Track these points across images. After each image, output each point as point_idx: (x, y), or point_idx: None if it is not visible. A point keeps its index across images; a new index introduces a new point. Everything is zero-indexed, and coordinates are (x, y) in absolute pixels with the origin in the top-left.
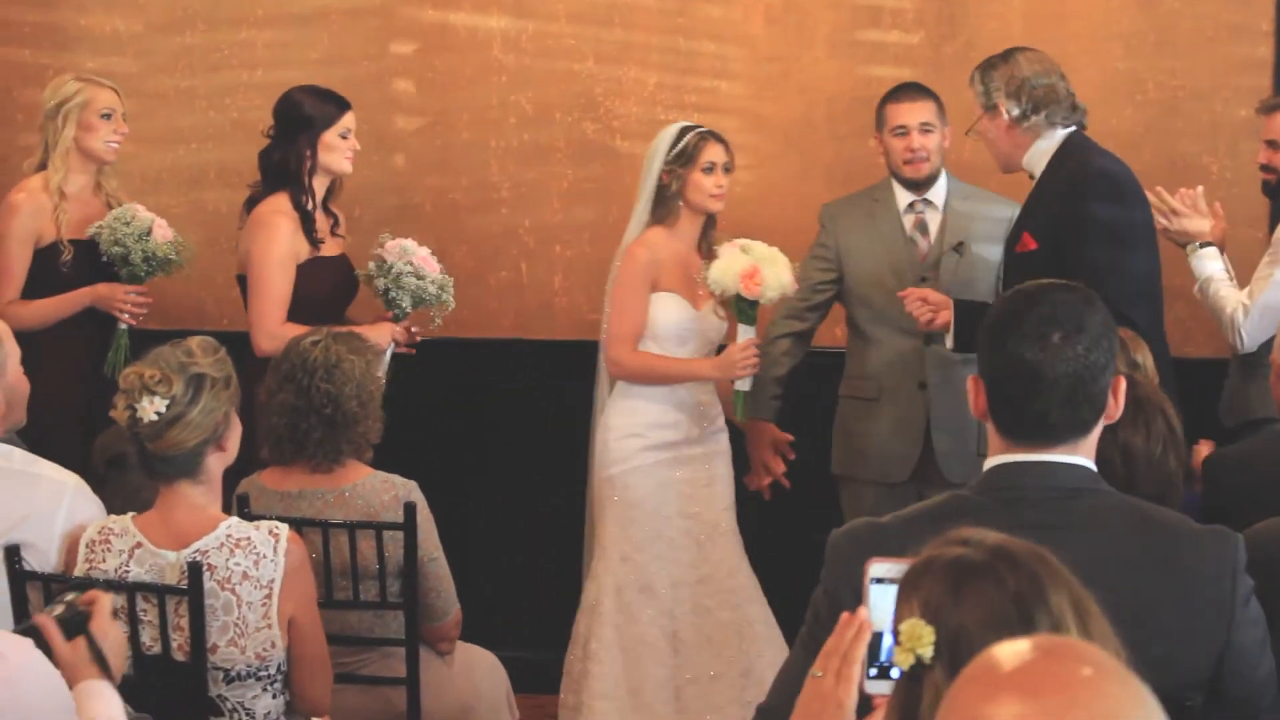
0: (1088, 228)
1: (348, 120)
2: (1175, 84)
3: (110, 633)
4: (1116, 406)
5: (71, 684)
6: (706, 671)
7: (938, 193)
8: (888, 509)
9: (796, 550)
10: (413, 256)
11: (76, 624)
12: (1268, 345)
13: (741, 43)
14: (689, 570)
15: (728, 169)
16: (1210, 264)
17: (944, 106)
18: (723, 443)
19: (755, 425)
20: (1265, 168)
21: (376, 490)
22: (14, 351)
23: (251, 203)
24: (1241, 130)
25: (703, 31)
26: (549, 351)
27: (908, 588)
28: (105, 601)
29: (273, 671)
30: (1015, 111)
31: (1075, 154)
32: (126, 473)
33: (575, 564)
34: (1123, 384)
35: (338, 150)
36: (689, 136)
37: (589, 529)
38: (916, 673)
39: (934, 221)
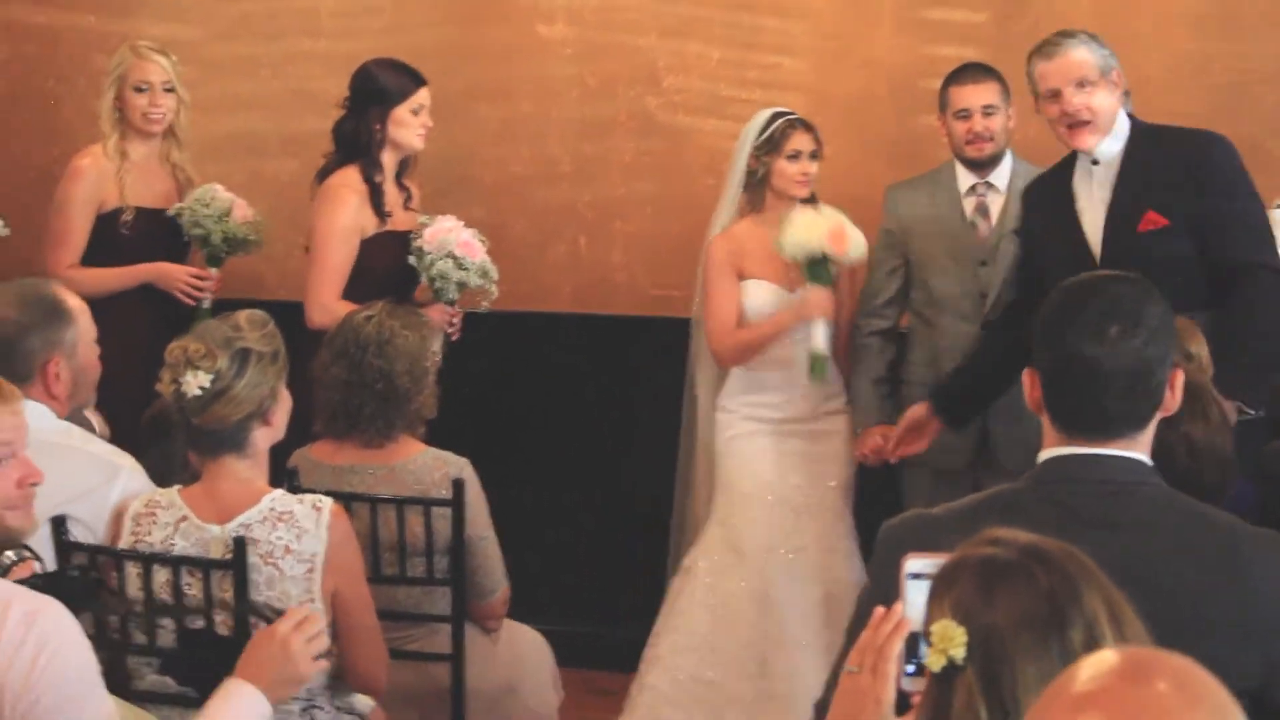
0: (1236, 184)
1: (421, 96)
2: (1243, 66)
3: None
4: (1174, 399)
5: None
6: (796, 639)
7: (1001, 175)
8: (945, 495)
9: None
10: (453, 247)
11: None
12: None
13: (805, 18)
14: (785, 538)
15: (814, 156)
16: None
17: (1009, 86)
18: (838, 423)
19: (862, 433)
20: None
21: (429, 467)
22: (88, 330)
23: (323, 174)
24: None
25: (766, 7)
26: (607, 326)
27: (940, 588)
28: None
29: None
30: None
31: (1157, 129)
32: (164, 441)
33: (623, 539)
34: (1180, 376)
35: (409, 126)
36: (777, 123)
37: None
38: (949, 674)
39: (995, 205)
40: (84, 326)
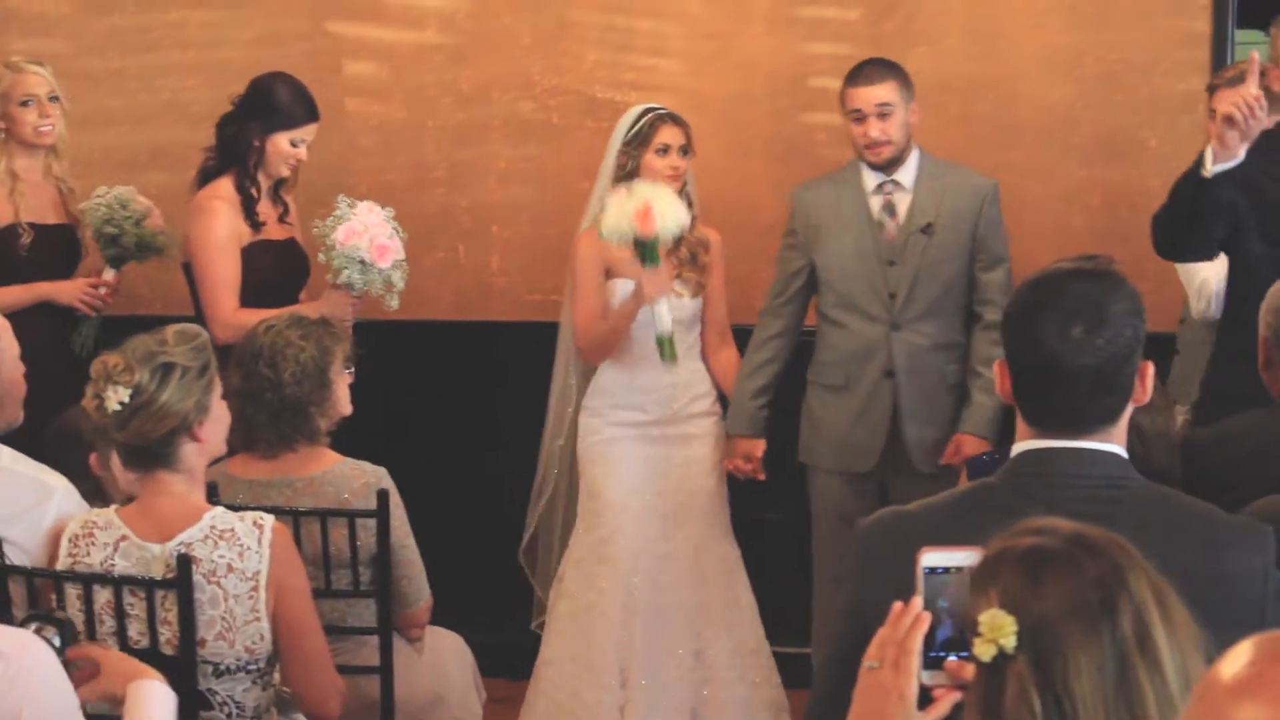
0: None
1: (307, 131)
2: (1114, 57)
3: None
4: (1144, 391)
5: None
6: (661, 646)
7: (907, 172)
8: (854, 499)
9: (754, 530)
10: (364, 253)
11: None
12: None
13: (679, 20)
14: (652, 544)
15: (685, 151)
16: None
17: (909, 81)
18: (705, 425)
19: (731, 440)
20: None
21: (347, 477)
22: (10, 347)
23: (202, 176)
24: (1180, 104)
25: (640, 9)
26: (488, 333)
27: (983, 578)
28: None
29: (263, 665)
30: None
31: None
32: (67, 455)
33: (509, 547)
34: (1150, 368)
35: (281, 155)
36: (645, 118)
37: (533, 507)
38: (999, 664)
39: (903, 203)
40: (5, 343)
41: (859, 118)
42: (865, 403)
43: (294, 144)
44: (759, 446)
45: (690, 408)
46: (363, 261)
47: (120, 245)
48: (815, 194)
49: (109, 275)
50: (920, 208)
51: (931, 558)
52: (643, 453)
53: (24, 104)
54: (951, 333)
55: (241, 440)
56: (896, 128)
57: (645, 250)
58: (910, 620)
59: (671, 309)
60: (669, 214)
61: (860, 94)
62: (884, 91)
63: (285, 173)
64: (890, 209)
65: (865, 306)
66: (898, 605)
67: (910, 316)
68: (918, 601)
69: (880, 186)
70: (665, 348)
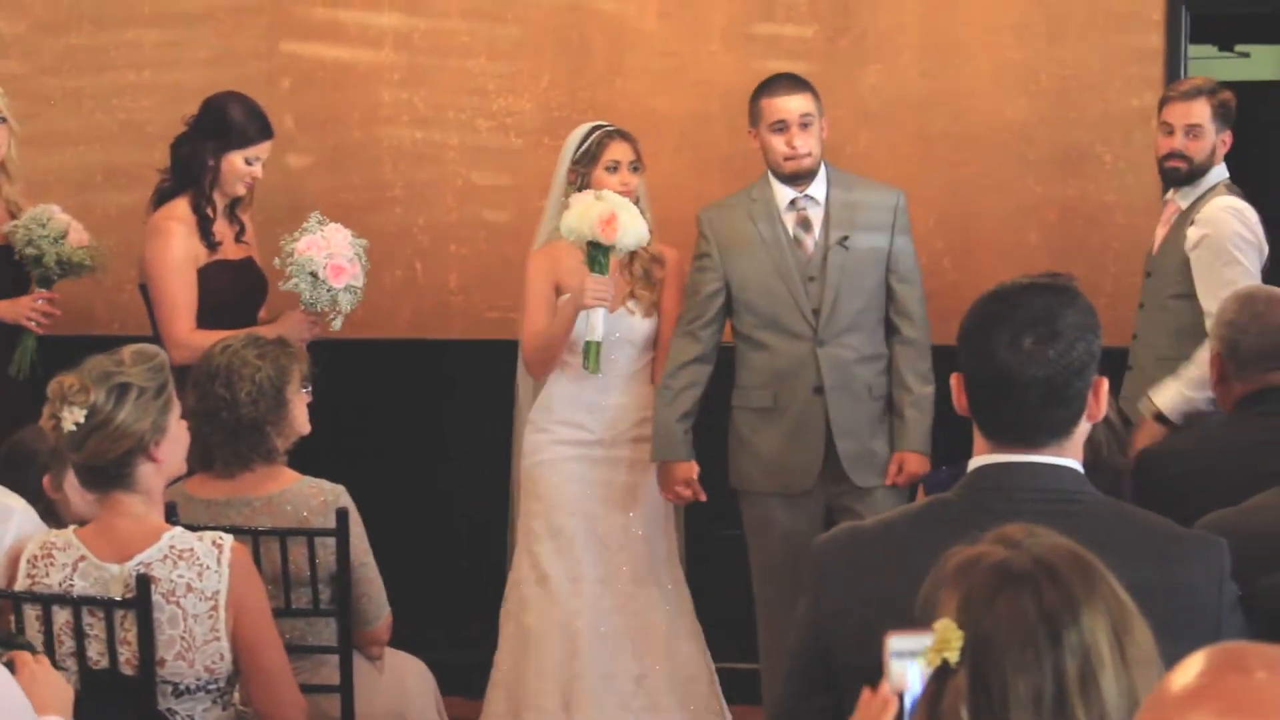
0: None
1: (262, 150)
2: (1068, 74)
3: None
4: (1098, 406)
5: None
6: (598, 670)
7: (819, 186)
8: (795, 519)
9: (702, 547)
10: (318, 268)
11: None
12: None
13: (636, 38)
14: (590, 568)
15: (635, 168)
16: (1166, 395)
17: (819, 96)
18: (649, 450)
19: (663, 466)
20: (1174, 155)
21: (305, 496)
22: None
23: (157, 198)
24: (1134, 119)
25: (597, 27)
26: (446, 351)
27: (955, 580)
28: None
29: (223, 684)
30: None
31: None
32: (19, 475)
33: (473, 566)
34: (1104, 384)
35: (236, 174)
36: (593, 135)
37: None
38: (942, 673)
39: (817, 217)
40: None
41: (781, 128)
42: (797, 422)
43: (249, 162)
44: (694, 469)
45: (633, 431)
46: (314, 275)
47: (43, 265)
48: (727, 214)
49: (43, 292)
50: (835, 221)
51: (899, 643)
52: (584, 475)
53: None
54: (875, 344)
55: (199, 460)
56: (815, 139)
57: (597, 254)
58: (878, 706)
59: (624, 330)
60: (631, 228)
61: (781, 104)
62: (805, 102)
63: (241, 192)
64: (805, 224)
65: (789, 324)
66: (865, 693)
67: (835, 331)
68: (885, 687)
69: (793, 202)
70: (590, 354)
